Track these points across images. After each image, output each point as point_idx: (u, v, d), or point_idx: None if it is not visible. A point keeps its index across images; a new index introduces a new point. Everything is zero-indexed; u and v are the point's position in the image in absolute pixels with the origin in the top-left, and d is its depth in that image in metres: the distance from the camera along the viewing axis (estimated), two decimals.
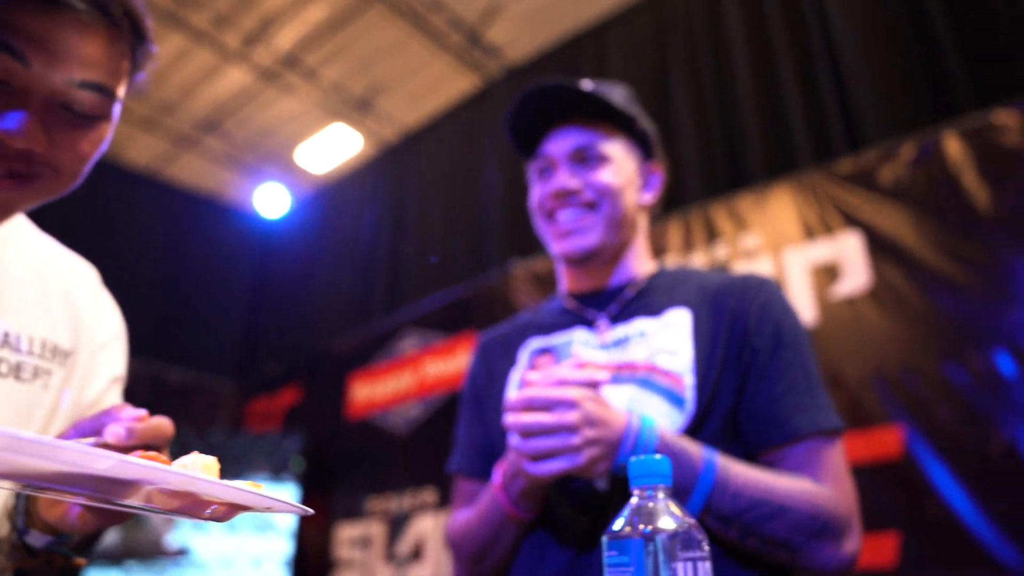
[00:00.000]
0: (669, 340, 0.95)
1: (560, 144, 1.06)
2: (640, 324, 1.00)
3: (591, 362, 0.94)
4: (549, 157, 1.08)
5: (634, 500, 0.58)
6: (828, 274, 3.00)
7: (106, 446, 0.58)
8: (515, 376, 1.06)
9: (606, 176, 1.04)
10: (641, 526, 0.55)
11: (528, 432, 0.80)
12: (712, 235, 3.38)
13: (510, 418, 0.82)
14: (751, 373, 0.93)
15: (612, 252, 1.07)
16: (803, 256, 3.09)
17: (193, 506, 0.52)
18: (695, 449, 0.84)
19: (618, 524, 0.57)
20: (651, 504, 0.57)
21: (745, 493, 0.82)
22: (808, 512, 0.83)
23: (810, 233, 3.11)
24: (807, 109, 3.80)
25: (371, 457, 4.78)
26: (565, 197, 1.04)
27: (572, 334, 1.05)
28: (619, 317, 1.03)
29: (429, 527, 4.18)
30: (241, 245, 7.56)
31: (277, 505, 0.53)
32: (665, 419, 0.89)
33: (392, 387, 4.79)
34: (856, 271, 2.93)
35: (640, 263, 1.11)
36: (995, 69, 3.22)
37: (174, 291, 6.89)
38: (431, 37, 5.63)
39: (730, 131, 4.14)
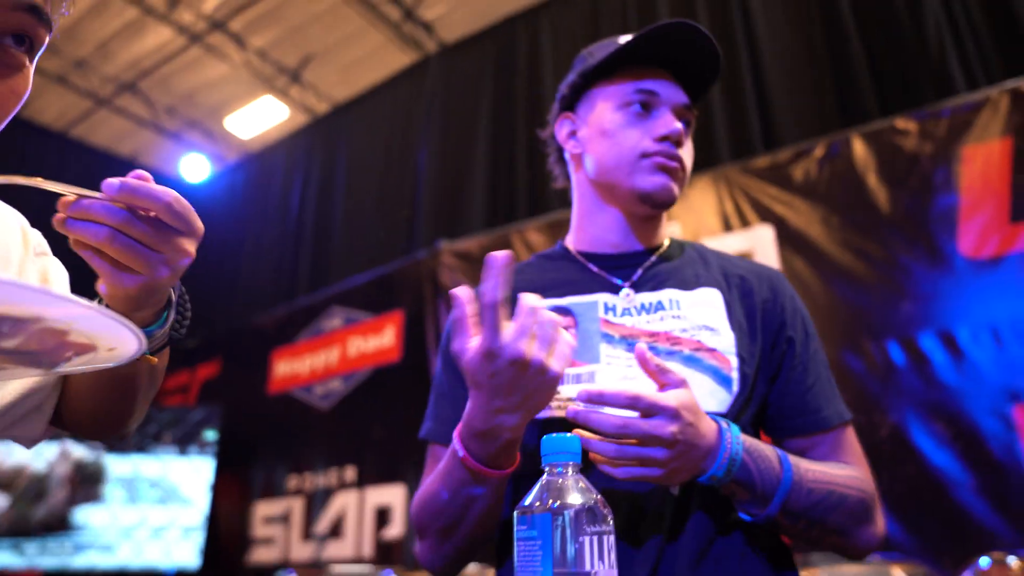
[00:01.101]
0: (708, 317, 0.93)
1: (674, 92, 1.00)
2: (671, 294, 0.95)
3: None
4: (660, 97, 0.99)
5: (545, 477, 0.63)
6: None
7: None
8: None
9: (690, 145, 1.03)
10: (550, 501, 0.59)
11: (613, 434, 0.73)
12: None
13: (609, 418, 0.74)
14: (784, 363, 0.95)
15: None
16: (720, 246, 3.22)
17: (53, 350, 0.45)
18: (771, 452, 0.83)
19: (529, 499, 0.61)
20: (560, 480, 0.62)
21: (816, 489, 0.84)
22: (859, 498, 0.87)
23: (727, 225, 3.26)
24: (729, 109, 3.97)
25: (291, 434, 4.72)
26: (672, 143, 0.97)
27: (595, 297, 0.96)
28: (644, 283, 0.98)
29: (350, 504, 4.18)
30: None
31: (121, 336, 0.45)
32: (711, 399, 0.87)
33: (315, 363, 4.73)
34: (768, 262, 3.09)
35: (663, 230, 1.06)
36: (899, 81, 3.48)
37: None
38: (367, 8, 5.51)
39: None
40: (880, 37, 3.59)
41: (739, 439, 0.80)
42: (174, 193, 0.61)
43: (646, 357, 0.78)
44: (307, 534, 4.34)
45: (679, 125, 0.98)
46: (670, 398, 0.74)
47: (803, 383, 0.95)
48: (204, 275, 6.98)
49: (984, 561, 1.54)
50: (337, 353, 4.62)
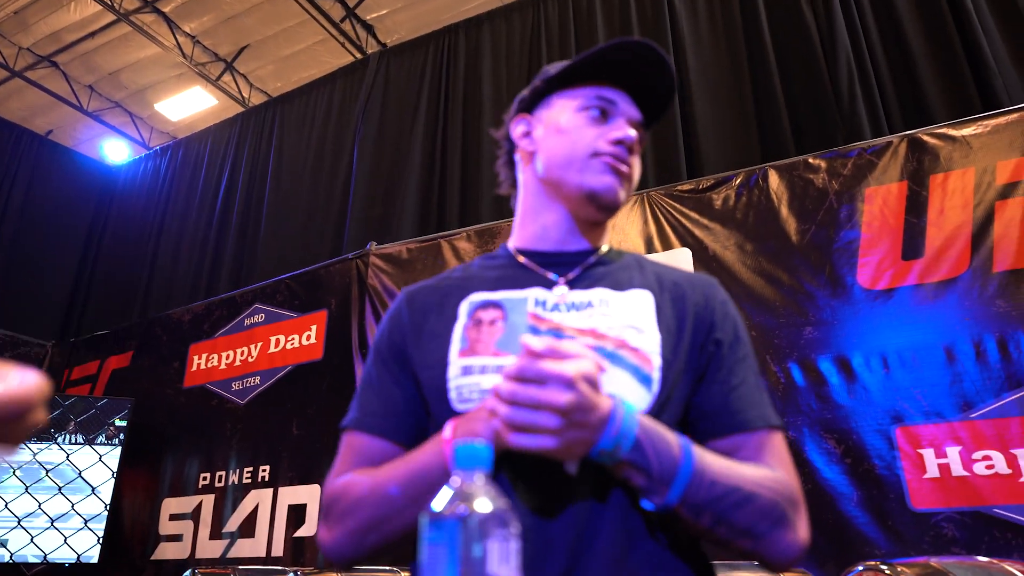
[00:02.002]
0: (635, 317, 0.93)
1: (632, 109, 1.04)
2: (602, 293, 0.96)
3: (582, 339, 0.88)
4: (619, 108, 1.03)
5: (456, 483, 0.67)
6: None
7: None
8: (457, 331, 0.96)
9: (638, 160, 1.05)
10: (457, 507, 0.64)
11: (514, 402, 0.75)
12: None
13: (504, 385, 0.76)
14: (711, 365, 0.94)
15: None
16: None
17: None
18: (673, 438, 0.82)
19: (438, 506, 0.65)
20: (469, 487, 0.66)
21: (720, 481, 0.82)
22: (772, 499, 0.84)
23: (650, 245, 3.39)
24: (658, 135, 4.15)
25: (205, 429, 4.59)
26: (625, 148, 1.00)
27: (526, 292, 0.98)
28: (578, 282, 0.99)
29: (263, 503, 4.11)
30: (78, 193, 6.88)
31: None
32: (632, 397, 0.87)
33: (233, 358, 4.62)
34: None
35: (604, 235, 1.08)
36: (813, 122, 3.74)
37: None
38: (308, 3, 5.43)
39: None
40: (799, 81, 3.86)
41: (633, 416, 0.79)
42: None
43: (530, 346, 0.77)
44: (216, 532, 4.23)
45: (634, 133, 1.01)
46: (568, 367, 0.75)
47: (727, 384, 0.93)
48: (121, 263, 6.70)
49: (860, 568, 1.68)
50: (257, 349, 4.53)
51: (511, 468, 0.86)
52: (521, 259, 1.03)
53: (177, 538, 4.38)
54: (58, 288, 6.64)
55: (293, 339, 4.37)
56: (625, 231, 3.46)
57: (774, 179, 3.20)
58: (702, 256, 3.23)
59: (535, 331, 0.92)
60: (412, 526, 0.85)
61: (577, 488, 0.84)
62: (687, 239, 3.30)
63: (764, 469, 0.87)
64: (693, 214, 3.33)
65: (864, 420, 2.73)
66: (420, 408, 0.97)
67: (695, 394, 0.93)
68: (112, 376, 5.27)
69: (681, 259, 3.28)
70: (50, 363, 5.72)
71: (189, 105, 6.58)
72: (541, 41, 4.86)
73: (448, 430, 0.85)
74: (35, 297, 6.35)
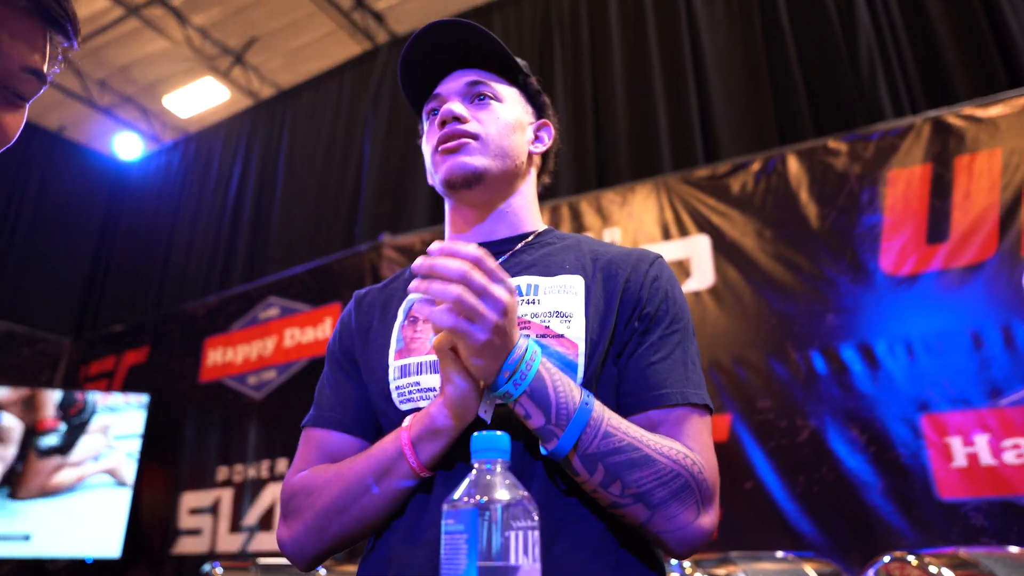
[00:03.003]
0: (562, 304, 0.92)
1: (453, 82, 1.04)
2: (530, 280, 0.96)
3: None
4: (441, 96, 1.05)
5: (474, 472, 0.65)
6: (679, 271, 3.24)
7: None
8: (394, 332, 0.98)
9: (496, 111, 1.03)
10: (477, 497, 0.61)
11: (455, 279, 0.74)
12: (579, 228, 3.55)
13: (420, 283, 0.76)
14: (632, 339, 0.92)
15: (497, 188, 1.02)
16: (658, 253, 3.32)
17: None
18: (575, 385, 0.81)
19: (457, 494, 0.63)
20: (489, 477, 0.64)
21: (616, 435, 0.80)
22: (673, 469, 0.81)
23: (666, 232, 3.34)
24: (673, 120, 4.10)
25: (222, 424, 4.61)
26: (451, 123, 1.00)
27: None
28: (507, 271, 0.96)
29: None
30: (90, 189, 6.93)
31: None
32: None
33: (249, 352, 4.63)
34: (703, 270, 3.19)
35: (530, 218, 1.07)
36: (833, 104, 3.66)
37: (10, 233, 6.22)
38: None
39: (602, 131, 4.35)
40: (818, 63, 3.78)
41: (538, 353, 0.80)
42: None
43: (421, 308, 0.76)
44: (235, 526, 4.24)
45: (448, 107, 1.00)
46: (505, 293, 0.76)
47: (646, 358, 0.90)
48: (135, 258, 6.73)
49: (886, 559, 1.64)
50: (272, 343, 4.53)
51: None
52: None
53: (196, 532, 4.40)
54: (73, 284, 6.69)
55: (308, 332, 4.37)
56: (641, 218, 3.42)
57: (793, 163, 3.14)
58: (720, 243, 3.18)
59: None
60: (370, 517, 0.87)
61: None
62: (704, 226, 3.25)
63: (673, 442, 0.84)
64: (710, 200, 3.28)
65: (888, 408, 2.68)
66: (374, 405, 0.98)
67: (618, 371, 0.91)
68: (129, 372, 5.30)
69: (699, 246, 3.23)
70: (68, 359, 5.76)
71: (200, 99, 6.59)
72: (552, 28, 4.81)
73: (407, 420, 0.86)
74: (50, 293, 6.40)
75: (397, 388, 0.93)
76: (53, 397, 4.52)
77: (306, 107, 6.15)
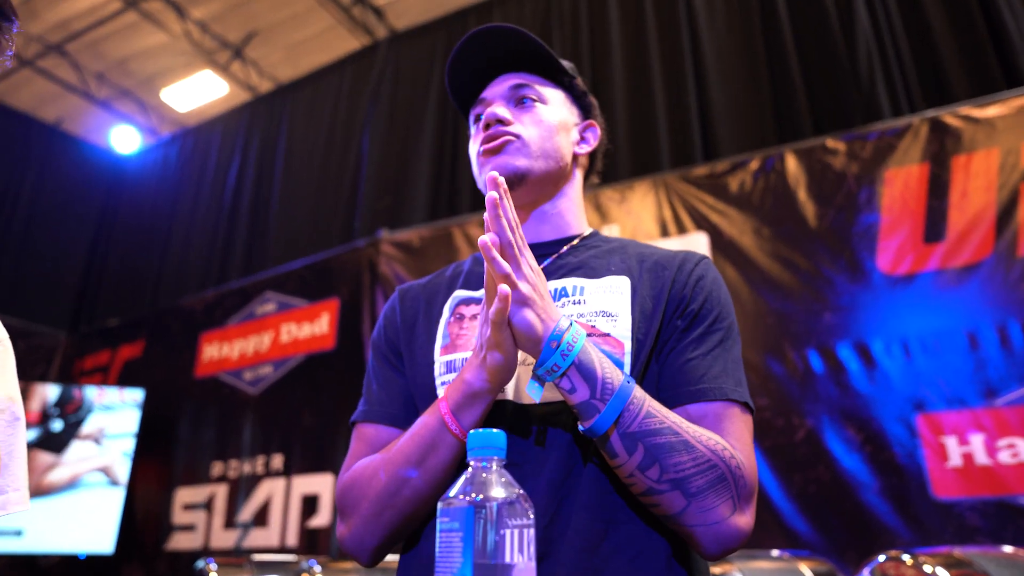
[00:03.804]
0: (609, 303, 0.92)
1: (498, 86, 1.06)
2: (576, 281, 0.96)
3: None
4: (486, 100, 1.06)
5: (469, 471, 0.64)
6: None
7: None
8: (440, 328, 0.99)
9: (540, 113, 1.04)
10: (473, 494, 0.61)
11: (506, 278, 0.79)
12: None
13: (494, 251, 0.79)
14: (673, 336, 0.92)
15: (541, 189, 1.03)
16: None
17: None
18: (615, 367, 0.82)
19: (452, 492, 0.62)
20: (484, 474, 0.63)
21: (658, 416, 0.80)
22: (712, 459, 0.79)
23: (665, 230, 3.34)
24: (672, 118, 4.09)
25: (217, 419, 4.60)
26: (495, 125, 1.01)
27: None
28: (551, 272, 1.00)
29: (276, 492, 4.11)
30: (87, 182, 6.91)
31: None
32: None
33: (245, 347, 4.62)
34: None
35: (576, 220, 1.08)
36: (831, 103, 3.66)
37: (5, 226, 6.19)
38: None
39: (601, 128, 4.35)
40: (817, 62, 3.77)
41: (582, 331, 0.82)
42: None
43: (488, 246, 0.79)
44: (230, 522, 4.24)
45: (492, 110, 1.02)
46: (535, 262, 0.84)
47: (685, 354, 0.90)
48: (131, 252, 6.72)
49: (882, 558, 1.64)
50: (269, 338, 4.52)
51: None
52: None
53: (191, 528, 4.39)
54: (69, 278, 6.67)
55: (305, 328, 4.36)
56: (640, 216, 3.42)
57: (791, 162, 3.14)
58: (718, 241, 3.18)
59: None
60: (423, 496, 0.87)
61: (550, 455, 0.85)
62: (703, 224, 3.25)
63: (716, 435, 0.83)
64: (709, 199, 3.28)
65: (884, 408, 2.68)
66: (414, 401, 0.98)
67: (659, 368, 0.92)
68: (124, 366, 5.29)
69: (697, 244, 3.23)
70: (63, 353, 5.75)
71: (198, 93, 6.56)
72: (552, 25, 4.80)
73: (441, 390, 0.89)
74: (46, 287, 6.38)
75: (443, 384, 0.93)
76: (43, 392, 4.51)
77: (305, 102, 6.13)
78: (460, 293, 1.02)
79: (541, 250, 1.03)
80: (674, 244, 3.29)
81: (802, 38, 3.85)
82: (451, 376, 0.92)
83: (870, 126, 3.10)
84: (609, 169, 4.41)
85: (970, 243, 2.70)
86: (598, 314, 0.92)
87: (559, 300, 0.95)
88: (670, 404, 0.87)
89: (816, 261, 2.96)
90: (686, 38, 4.20)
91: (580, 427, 0.81)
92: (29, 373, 5.47)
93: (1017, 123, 2.75)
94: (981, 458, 2.48)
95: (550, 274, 1.00)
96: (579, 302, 0.94)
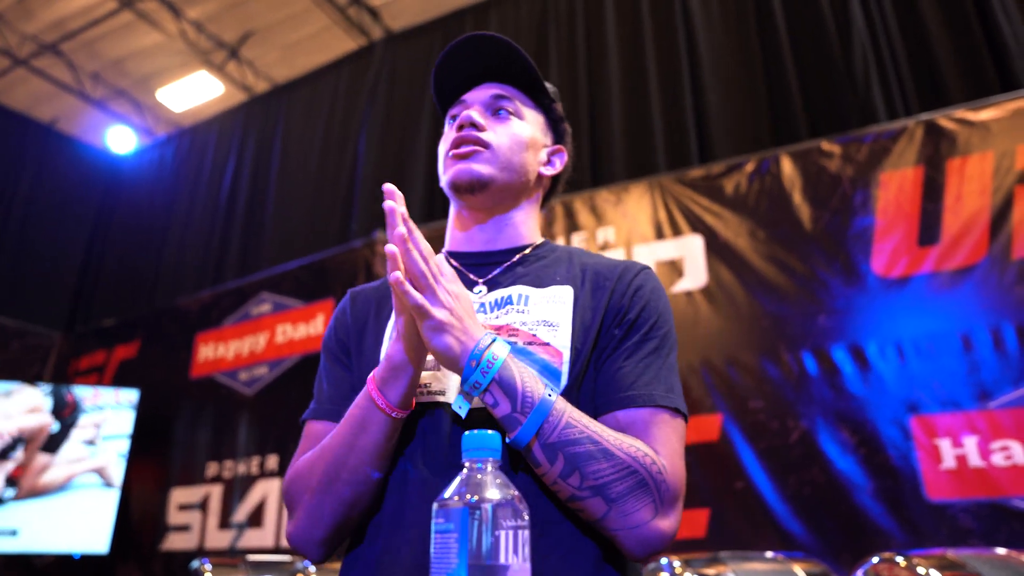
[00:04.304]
0: (551, 313, 0.95)
1: (480, 92, 1.09)
2: (522, 290, 0.99)
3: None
4: (466, 103, 1.09)
5: (464, 472, 0.64)
6: (673, 271, 3.24)
7: None
8: (388, 330, 1.01)
9: (512, 127, 1.06)
10: (468, 496, 0.61)
11: (410, 274, 0.83)
12: (573, 226, 3.55)
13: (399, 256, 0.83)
14: (609, 345, 0.94)
15: (500, 198, 1.06)
16: (651, 252, 3.33)
17: None
18: (540, 381, 0.84)
19: (447, 493, 0.62)
20: (479, 476, 0.64)
21: (577, 426, 0.82)
22: (632, 465, 0.82)
23: (660, 232, 3.35)
24: (667, 120, 4.10)
25: (213, 419, 4.59)
26: (468, 128, 1.04)
27: None
28: (499, 281, 1.02)
29: (271, 493, 4.11)
30: (83, 183, 6.89)
31: None
32: None
33: (241, 348, 4.61)
34: (696, 270, 3.20)
35: (529, 232, 1.10)
36: (826, 106, 3.68)
37: (1, 227, 6.17)
38: None
39: (596, 130, 4.35)
40: (812, 65, 3.79)
41: (506, 346, 0.84)
42: None
43: (399, 280, 0.81)
44: (225, 522, 4.23)
45: (468, 113, 1.04)
46: (455, 285, 0.86)
47: (618, 361, 0.92)
48: (127, 253, 6.70)
49: (875, 560, 1.65)
50: (264, 339, 4.52)
51: (418, 440, 0.91)
52: (453, 262, 1.08)
53: (186, 528, 4.38)
54: (65, 278, 6.65)
55: (300, 329, 4.36)
56: (635, 218, 3.42)
57: (787, 165, 3.15)
58: (713, 243, 3.19)
59: None
60: (361, 480, 0.88)
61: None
62: (698, 226, 3.26)
63: (638, 441, 0.85)
64: (704, 201, 3.29)
65: (879, 410, 2.69)
66: None
67: (595, 376, 0.93)
68: (120, 366, 5.28)
69: (692, 246, 3.24)
70: (58, 353, 5.73)
71: (194, 93, 6.55)
72: (549, 26, 4.80)
73: (373, 372, 0.90)
74: (42, 287, 6.36)
75: None
76: (34, 396, 4.49)
77: (301, 102, 6.12)
78: None
79: (495, 258, 1.06)
80: (669, 246, 3.29)
81: (798, 40, 3.87)
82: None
83: (865, 129, 3.11)
84: (605, 171, 4.44)
85: (964, 246, 2.71)
86: (540, 323, 0.94)
87: (504, 308, 0.97)
88: (602, 411, 0.90)
89: (811, 263, 2.97)
90: (682, 40, 4.22)
91: (506, 439, 0.83)
92: (24, 373, 5.44)
93: (1012, 126, 2.77)
94: (975, 460, 2.49)
95: (500, 282, 1.02)
96: (523, 311, 0.96)
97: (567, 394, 0.89)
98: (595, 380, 0.93)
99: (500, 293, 0.99)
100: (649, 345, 0.94)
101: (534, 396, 0.82)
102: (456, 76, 1.10)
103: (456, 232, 1.11)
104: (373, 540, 0.90)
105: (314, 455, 0.92)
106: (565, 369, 0.90)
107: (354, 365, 1.03)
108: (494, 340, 0.84)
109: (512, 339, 0.91)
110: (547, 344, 0.91)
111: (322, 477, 0.89)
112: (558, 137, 1.16)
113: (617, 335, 0.94)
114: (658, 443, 0.87)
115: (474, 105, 1.07)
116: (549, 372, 0.89)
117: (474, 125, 1.04)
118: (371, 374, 0.89)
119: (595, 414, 0.90)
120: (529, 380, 0.83)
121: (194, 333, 4.90)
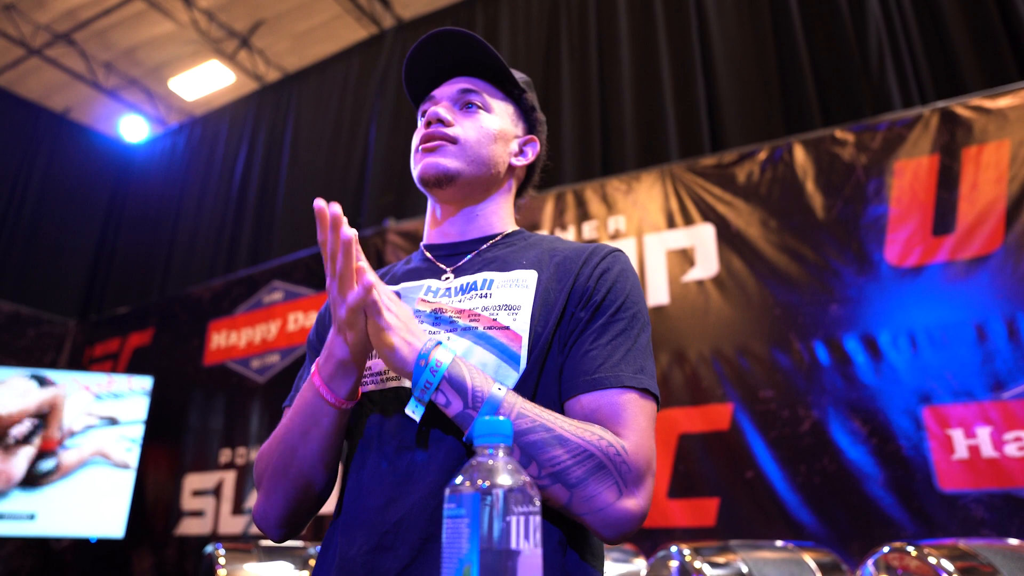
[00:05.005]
0: (512, 297, 0.95)
1: (448, 87, 1.10)
2: (487, 275, 1.00)
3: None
4: (435, 98, 1.10)
5: (476, 458, 0.65)
6: (684, 260, 3.23)
7: None
8: None
9: (481, 120, 1.07)
10: (479, 481, 0.61)
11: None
12: (584, 215, 3.54)
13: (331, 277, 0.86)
14: (575, 329, 0.94)
15: (470, 191, 1.07)
16: (662, 241, 3.32)
17: None
18: (490, 378, 0.85)
19: (459, 479, 0.63)
20: (491, 462, 0.64)
21: (529, 415, 0.83)
22: (586, 448, 0.82)
23: (672, 221, 3.33)
24: (679, 108, 4.07)
25: (226, 406, 4.64)
26: (435, 124, 1.05)
27: (422, 283, 1.04)
28: (466, 268, 1.04)
29: None
30: (95, 171, 6.94)
31: None
32: (496, 375, 0.89)
33: (253, 336, 4.64)
34: (708, 259, 3.19)
35: (501, 222, 1.11)
36: (840, 94, 3.64)
37: (15, 215, 6.23)
38: None
39: (608, 118, 4.33)
40: (826, 52, 3.75)
41: (452, 348, 0.87)
42: None
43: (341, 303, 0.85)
44: (238, 508, 4.28)
45: (436, 109, 1.06)
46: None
47: (585, 343, 0.92)
48: (139, 241, 6.74)
49: (886, 550, 1.65)
50: (276, 327, 4.55)
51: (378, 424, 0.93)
52: (428, 254, 1.11)
53: (199, 514, 4.44)
54: (78, 266, 6.71)
55: (312, 316, 4.38)
56: (646, 206, 3.41)
57: (799, 153, 3.13)
58: (725, 232, 3.17)
59: (418, 314, 0.98)
60: (309, 467, 0.93)
61: (444, 442, 0.89)
62: (709, 215, 3.24)
63: (592, 426, 0.86)
64: (716, 189, 3.27)
65: (891, 400, 2.68)
66: None
67: (561, 359, 0.93)
68: (134, 354, 5.33)
69: (703, 235, 3.22)
70: (73, 340, 5.79)
71: (206, 82, 6.57)
72: (560, 14, 4.77)
73: (314, 366, 0.93)
74: (56, 275, 6.42)
75: (365, 372, 0.98)
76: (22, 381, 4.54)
77: (312, 91, 6.13)
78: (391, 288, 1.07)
79: (465, 247, 1.08)
80: (681, 235, 3.28)
81: (812, 27, 3.82)
82: (370, 363, 0.98)
83: (880, 117, 3.07)
84: (616, 159, 4.42)
85: (979, 235, 2.69)
86: (500, 307, 0.94)
87: (468, 293, 0.98)
88: (566, 395, 0.91)
89: (823, 253, 2.95)
90: (694, 27, 4.18)
91: (463, 438, 0.85)
92: (39, 360, 5.51)
93: None
94: (987, 451, 2.47)
95: (467, 270, 1.03)
96: (485, 295, 0.97)
97: (527, 377, 0.90)
98: (562, 364, 0.93)
99: (466, 279, 1.01)
100: (616, 326, 0.93)
101: (483, 391, 0.83)
102: (426, 72, 1.11)
103: (430, 225, 1.13)
104: (334, 526, 0.94)
105: (273, 441, 0.96)
106: (524, 353, 0.90)
107: None
108: (439, 344, 0.86)
109: (473, 324, 0.93)
110: (506, 328, 0.92)
111: (278, 462, 0.94)
112: (530, 127, 1.16)
113: (583, 317, 0.94)
114: (624, 424, 0.87)
115: (442, 101, 1.09)
116: (508, 356, 0.90)
117: (441, 121, 1.05)
118: (314, 366, 0.92)
119: (561, 397, 0.91)
120: (479, 377, 0.85)
121: (207, 321, 4.94)
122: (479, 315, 0.94)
